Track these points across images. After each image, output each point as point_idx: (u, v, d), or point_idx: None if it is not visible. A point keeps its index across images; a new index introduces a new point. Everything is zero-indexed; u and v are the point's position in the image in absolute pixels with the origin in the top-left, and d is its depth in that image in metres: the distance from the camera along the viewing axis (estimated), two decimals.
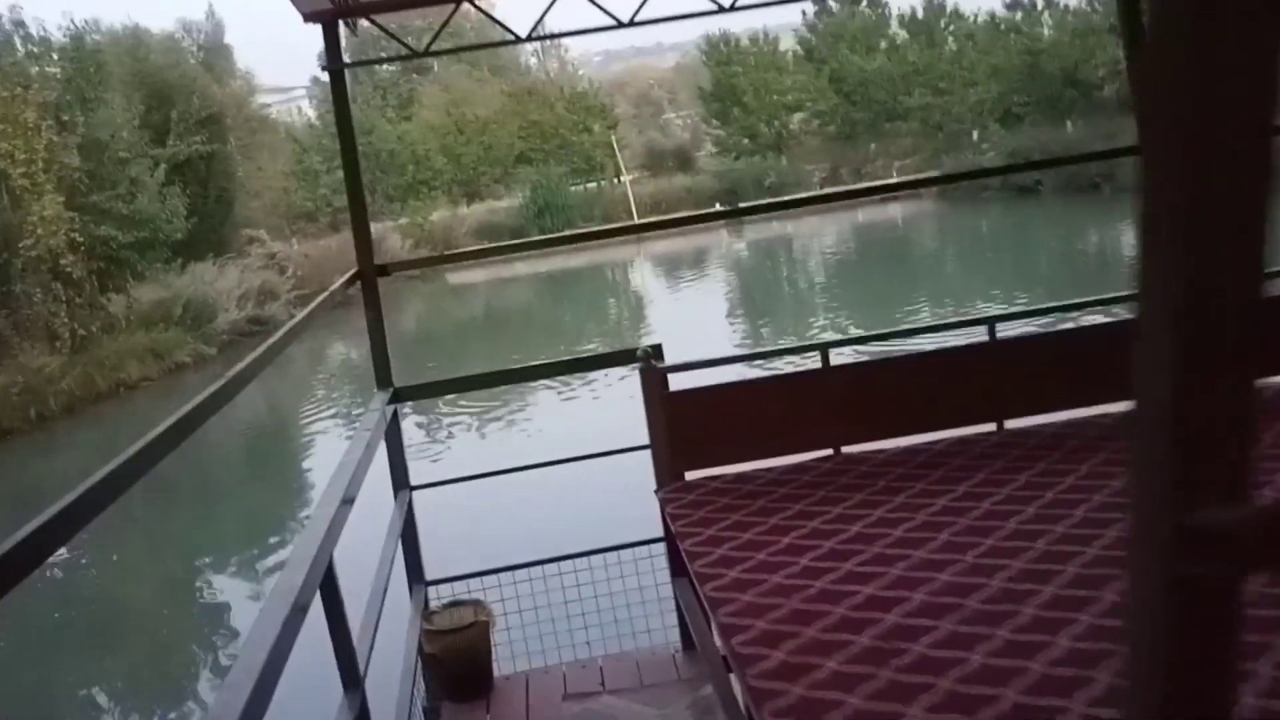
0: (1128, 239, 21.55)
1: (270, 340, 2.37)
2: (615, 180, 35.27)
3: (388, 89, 38.13)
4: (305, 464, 13.58)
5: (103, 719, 7.70)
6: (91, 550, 10.35)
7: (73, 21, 26.07)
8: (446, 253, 16.77)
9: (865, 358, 3.64)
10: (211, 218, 27.77)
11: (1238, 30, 0.44)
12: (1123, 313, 3.61)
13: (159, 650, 8.34)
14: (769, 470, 2.94)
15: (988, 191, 28.43)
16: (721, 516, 2.65)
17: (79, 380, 18.62)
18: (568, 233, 11.64)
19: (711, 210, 24.07)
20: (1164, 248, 0.48)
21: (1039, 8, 34.95)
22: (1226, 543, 0.49)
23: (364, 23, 3.94)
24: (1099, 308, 3.61)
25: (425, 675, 3.22)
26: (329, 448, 12.36)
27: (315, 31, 3.51)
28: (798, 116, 37.52)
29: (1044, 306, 3.90)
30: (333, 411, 15.79)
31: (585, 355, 11.99)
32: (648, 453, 3.14)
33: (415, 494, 3.52)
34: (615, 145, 36.02)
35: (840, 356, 3.24)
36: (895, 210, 30.71)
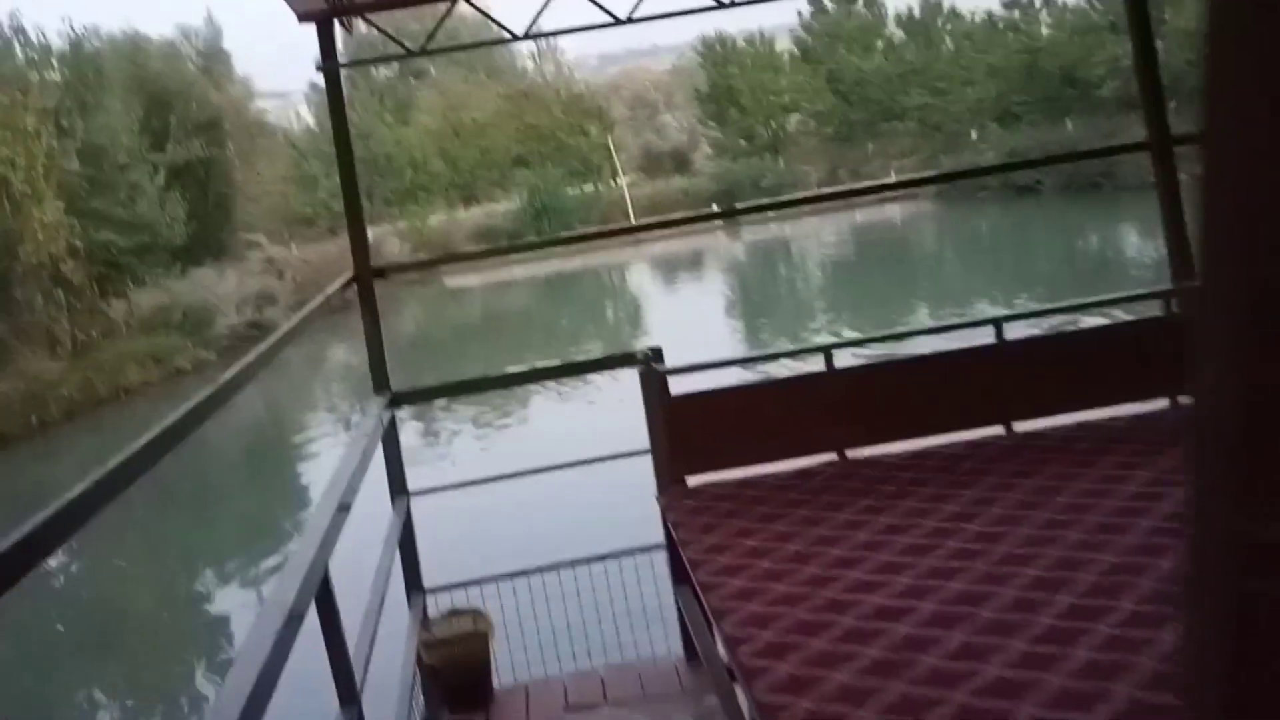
0: (1130, 238, 21.53)
1: (264, 345, 2.33)
2: (612, 183, 35.27)
3: (385, 94, 38.13)
4: (306, 469, 13.52)
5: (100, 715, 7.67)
6: (90, 555, 10.32)
7: (72, 28, 26.13)
8: (443, 255, 16.76)
9: (869, 360, 3.58)
10: (210, 223, 27.77)
11: None
12: (1130, 313, 3.55)
13: (158, 656, 8.29)
14: (772, 475, 2.89)
15: (986, 191, 28.39)
16: (724, 523, 2.59)
17: (79, 385, 18.61)
18: (564, 234, 11.59)
19: (708, 210, 24.02)
20: (1229, 242, 0.45)
21: (1037, 6, 34.92)
22: None
23: (361, 30, 3.89)
24: (1106, 308, 3.55)
25: (423, 686, 3.17)
26: (331, 453, 12.31)
27: (313, 36, 3.48)
28: (794, 117, 37.51)
29: (1052, 306, 3.84)
30: (334, 417, 15.76)
31: (584, 359, 11.94)
32: (648, 456, 3.08)
33: (413, 499, 3.46)
34: (612, 148, 36.01)
35: (843, 359, 3.19)
36: (893, 211, 30.67)
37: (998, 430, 3.02)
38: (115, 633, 8.85)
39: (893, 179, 27.21)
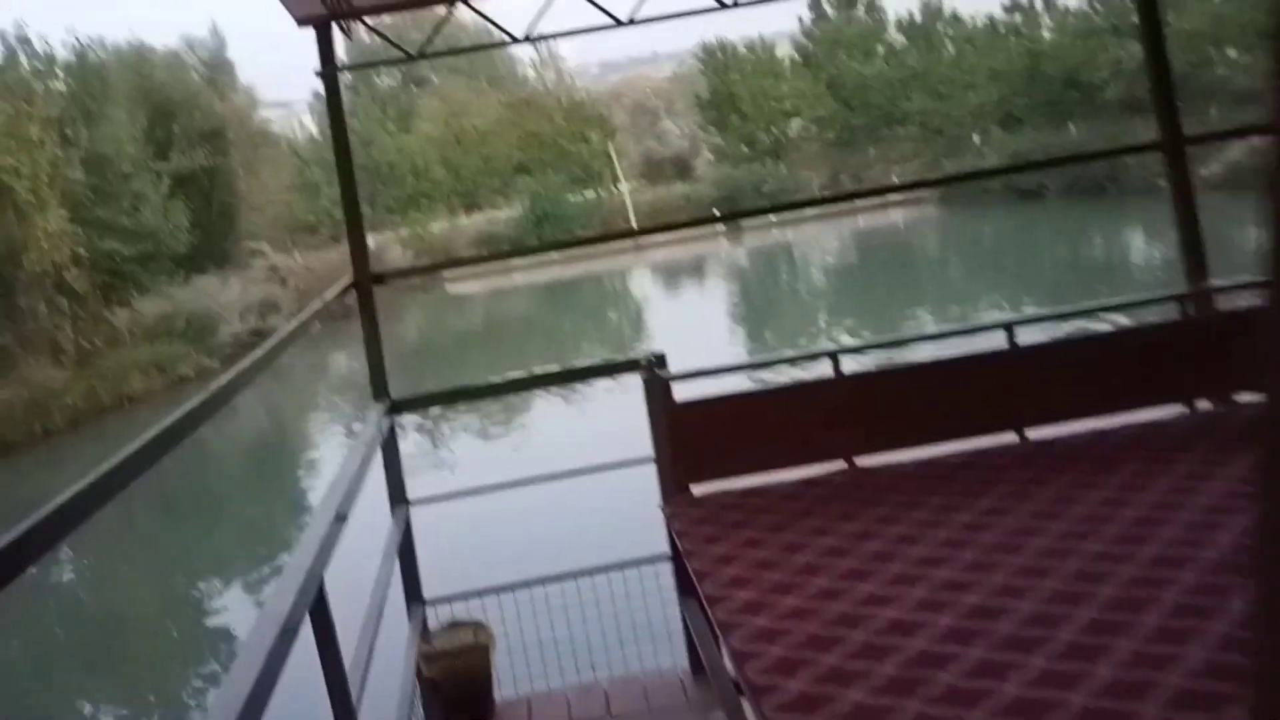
0: (1135, 242, 21.45)
1: (260, 350, 2.29)
2: (613, 189, 35.28)
3: (387, 102, 38.22)
4: (308, 477, 13.48)
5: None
6: (90, 560, 10.29)
7: (77, 39, 26.21)
8: (443, 260, 16.72)
9: (878, 365, 3.52)
10: (214, 231, 27.82)
11: None
12: (1144, 316, 3.49)
13: (160, 666, 8.25)
14: (780, 484, 2.82)
15: (990, 195, 28.33)
16: (731, 533, 2.53)
17: (83, 393, 18.62)
18: (564, 239, 11.54)
19: (710, 215, 23.97)
20: None
21: (1038, 10, 34.90)
22: None
23: (365, 39, 3.86)
24: (1119, 311, 3.49)
25: (423, 700, 3.11)
26: (333, 460, 12.26)
27: (315, 45, 3.45)
28: (796, 123, 37.48)
29: (1064, 310, 3.78)
30: (339, 428, 15.72)
31: (586, 365, 11.84)
32: (652, 464, 3.02)
33: (413, 507, 3.40)
34: (613, 154, 36.03)
35: (851, 364, 3.13)
36: (896, 216, 30.61)
37: (1010, 437, 2.96)
38: (118, 642, 8.82)
39: (895, 182, 27.18)
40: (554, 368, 11.88)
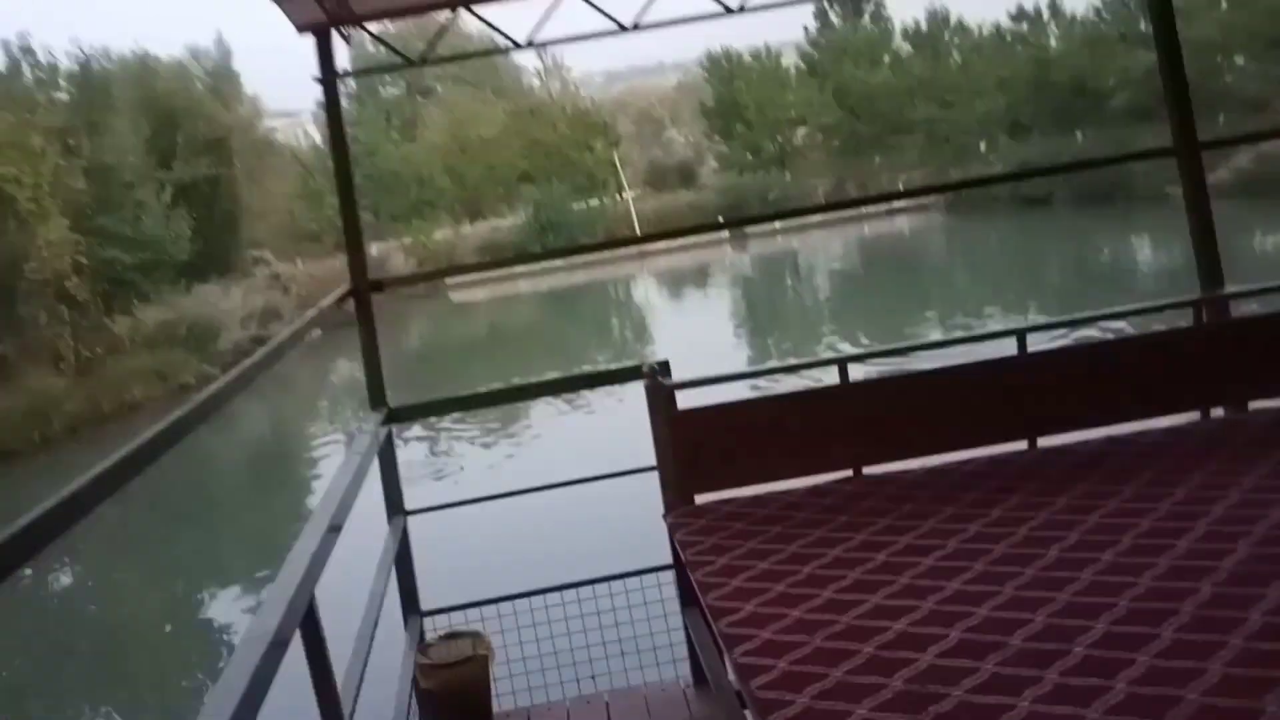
0: (1143, 249, 21.40)
1: (255, 356, 2.26)
2: (618, 197, 35.32)
3: (392, 111, 38.35)
4: (312, 485, 13.47)
5: None
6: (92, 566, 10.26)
7: (80, 49, 26.35)
8: (442, 267, 16.70)
9: (884, 371, 3.47)
10: (217, 239, 27.90)
11: None
12: (1157, 323, 3.43)
13: (161, 673, 8.22)
14: (786, 493, 2.76)
15: (996, 203, 28.32)
16: (735, 543, 2.47)
17: (83, 401, 18.64)
18: (567, 246, 11.52)
19: (714, 221, 23.96)
20: None
21: (1045, 18, 34.92)
22: None
23: (370, 49, 3.84)
24: (1132, 318, 3.43)
25: (420, 712, 3.06)
26: (334, 468, 12.23)
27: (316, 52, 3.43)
28: (801, 131, 37.55)
29: (1076, 317, 3.71)
30: (341, 437, 15.70)
31: (588, 373, 11.82)
32: (654, 473, 2.97)
33: (410, 517, 3.35)
34: (617, 162, 36.11)
35: (858, 371, 3.07)
36: (902, 223, 30.62)
37: (1021, 446, 2.90)
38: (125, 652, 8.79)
39: (901, 189, 27.16)
40: (556, 375, 11.86)
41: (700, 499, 2.87)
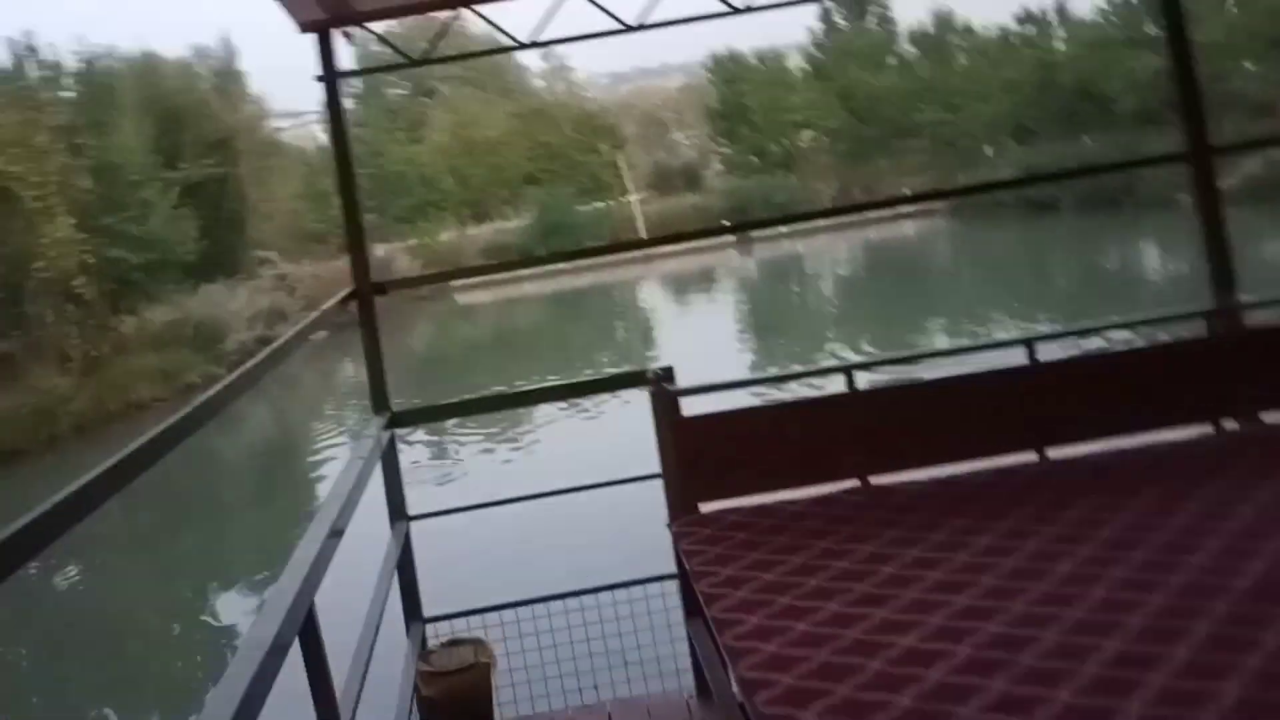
0: (1150, 256, 21.29)
1: (258, 357, 2.25)
2: (622, 200, 35.29)
3: (397, 112, 38.35)
4: (317, 487, 13.45)
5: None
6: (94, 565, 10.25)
7: (85, 47, 26.34)
8: (446, 270, 16.68)
9: (892, 380, 3.43)
10: (222, 240, 27.89)
11: None
12: (1169, 333, 3.39)
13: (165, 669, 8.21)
14: (791, 502, 2.73)
15: (1002, 208, 28.19)
16: (740, 554, 2.43)
17: (90, 401, 18.64)
18: (572, 249, 11.49)
19: (719, 225, 23.89)
20: None
21: (1052, 22, 34.82)
22: None
23: (374, 49, 3.83)
24: (1144, 327, 3.39)
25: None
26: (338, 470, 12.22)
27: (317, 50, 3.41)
28: (807, 134, 37.48)
29: (1087, 326, 3.67)
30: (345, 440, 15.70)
31: (592, 379, 11.73)
32: (658, 480, 2.93)
33: (414, 522, 3.32)
34: (622, 165, 36.08)
35: (865, 379, 3.03)
36: (908, 228, 30.51)
37: (1030, 456, 2.86)
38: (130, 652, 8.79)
39: (907, 193, 27.06)
40: (559, 380, 11.81)
41: (705, 507, 2.83)
